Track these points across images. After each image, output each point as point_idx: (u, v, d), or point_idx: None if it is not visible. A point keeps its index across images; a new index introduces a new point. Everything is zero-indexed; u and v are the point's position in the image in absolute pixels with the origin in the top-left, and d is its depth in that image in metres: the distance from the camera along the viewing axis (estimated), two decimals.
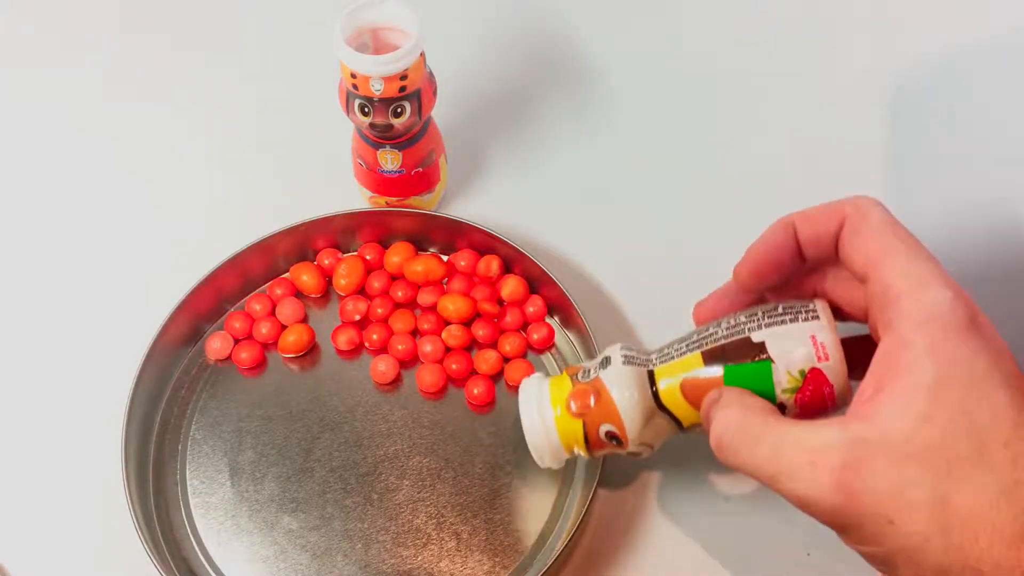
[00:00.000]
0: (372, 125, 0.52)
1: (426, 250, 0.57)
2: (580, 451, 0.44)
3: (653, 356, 0.42)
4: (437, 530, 0.49)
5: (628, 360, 0.42)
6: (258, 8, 0.71)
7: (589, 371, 0.43)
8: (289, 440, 0.51)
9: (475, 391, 0.52)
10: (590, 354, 0.51)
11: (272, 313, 0.55)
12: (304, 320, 0.55)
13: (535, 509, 0.49)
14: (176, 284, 0.53)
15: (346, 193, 0.59)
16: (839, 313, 0.40)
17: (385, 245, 0.57)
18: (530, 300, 0.55)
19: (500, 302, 0.55)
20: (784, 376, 0.37)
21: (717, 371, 0.39)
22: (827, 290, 0.41)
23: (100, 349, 0.55)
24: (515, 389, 0.50)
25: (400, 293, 0.55)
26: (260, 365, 0.54)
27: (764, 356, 0.38)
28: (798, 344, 0.38)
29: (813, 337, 0.37)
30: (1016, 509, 0.31)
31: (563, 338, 0.54)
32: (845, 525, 0.33)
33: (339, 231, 0.56)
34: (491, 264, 0.55)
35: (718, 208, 0.60)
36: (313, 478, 0.50)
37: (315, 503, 0.49)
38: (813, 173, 0.61)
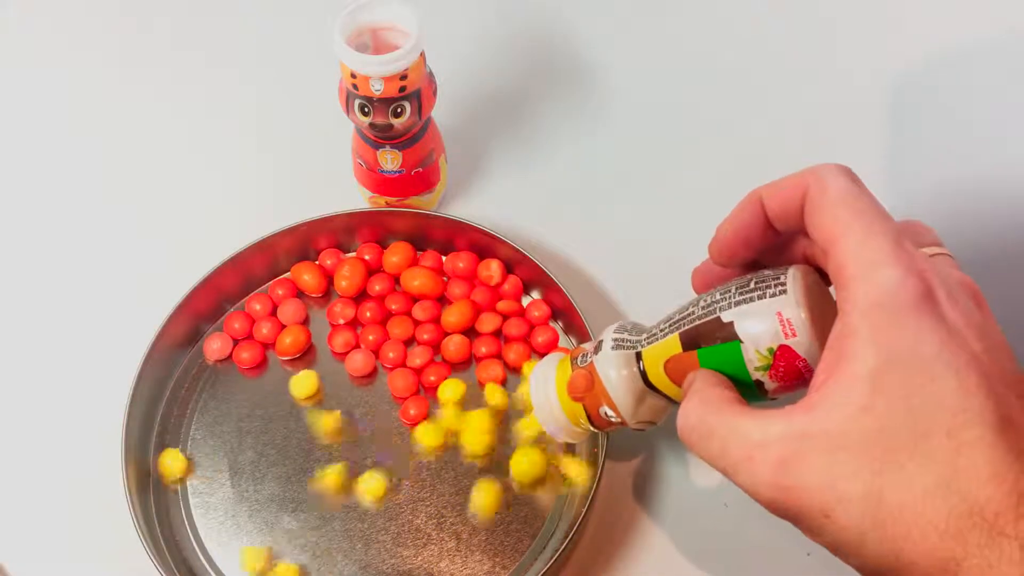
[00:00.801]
0: (372, 125, 0.52)
1: (425, 250, 0.57)
2: (589, 428, 0.45)
3: (643, 337, 0.42)
4: (437, 530, 0.49)
5: (618, 344, 0.43)
6: (258, 8, 0.71)
7: (587, 355, 0.44)
8: (289, 440, 0.51)
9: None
10: None
11: (272, 313, 0.55)
12: (305, 320, 0.55)
13: (535, 509, 0.49)
14: (176, 284, 0.53)
15: (346, 193, 0.59)
16: (828, 278, 0.38)
17: (384, 245, 0.57)
18: (533, 304, 0.55)
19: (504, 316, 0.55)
20: (754, 355, 0.37)
21: (693, 353, 0.39)
22: (816, 254, 0.39)
23: (100, 349, 0.55)
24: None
25: (395, 306, 0.55)
26: (260, 365, 0.54)
27: (733, 336, 0.37)
28: (764, 322, 0.37)
29: (779, 314, 0.36)
30: (953, 501, 0.30)
31: (566, 343, 0.54)
32: (789, 519, 0.33)
33: (339, 231, 0.56)
34: (491, 266, 0.55)
35: (719, 207, 0.59)
36: (313, 478, 0.50)
37: (315, 503, 0.49)
38: None
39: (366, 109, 0.51)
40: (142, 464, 0.50)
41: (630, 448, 0.51)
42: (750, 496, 0.34)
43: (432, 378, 0.53)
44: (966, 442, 0.30)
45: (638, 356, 0.42)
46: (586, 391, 0.43)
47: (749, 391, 0.38)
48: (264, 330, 0.54)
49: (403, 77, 0.50)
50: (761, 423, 0.34)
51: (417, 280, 0.55)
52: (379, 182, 0.56)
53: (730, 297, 0.38)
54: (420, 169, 0.56)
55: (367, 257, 0.56)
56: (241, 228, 0.55)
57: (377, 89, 0.50)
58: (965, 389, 0.30)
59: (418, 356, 0.53)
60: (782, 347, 0.36)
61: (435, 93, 0.53)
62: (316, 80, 0.58)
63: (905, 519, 0.30)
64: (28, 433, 0.53)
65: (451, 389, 0.52)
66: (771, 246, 0.39)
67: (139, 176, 0.63)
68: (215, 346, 0.54)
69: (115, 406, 0.49)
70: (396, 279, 0.56)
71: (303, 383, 0.52)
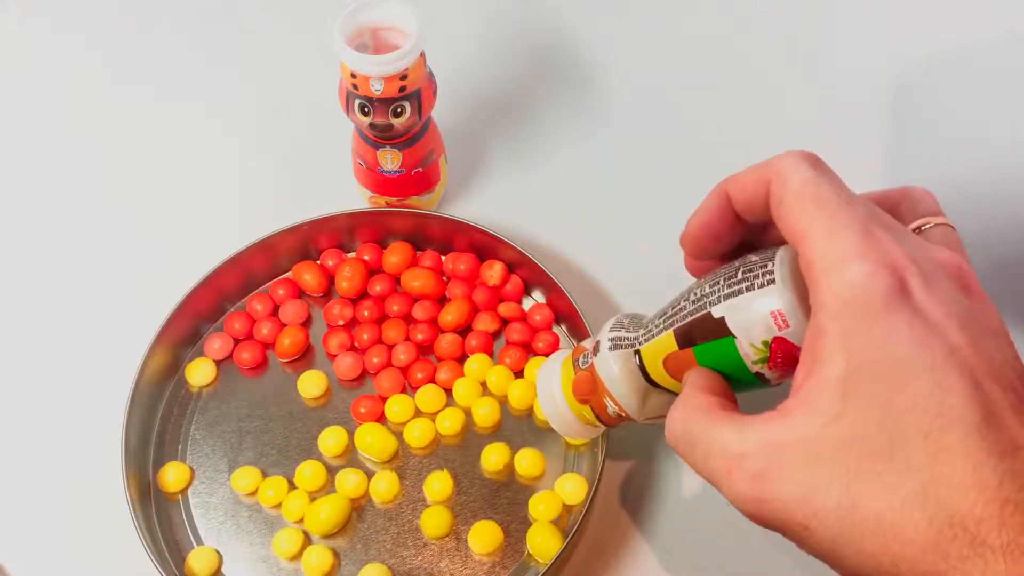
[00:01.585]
0: (372, 125, 0.52)
1: (424, 250, 0.57)
2: (599, 425, 0.45)
3: (640, 333, 0.42)
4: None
5: (615, 344, 0.42)
6: (258, 8, 0.71)
7: (587, 355, 0.44)
8: (289, 440, 0.51)
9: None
10: None
11: (273, 313, 0.55)
12: (306, 321, 0.55)
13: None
14: (176, 284, 0.53)
15: (346, 193, 0.59)
16: None
17: (384, 245, 0.57)
18: (535, 308, 0.55)
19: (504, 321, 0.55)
20: (749, 349, 0.36)
21: (690, 351, 0.39)
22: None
23: (101, 349, 0.55)
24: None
25: (396, 308, 0.55)
26: (261, 365, 0.54)
27: (726, 332, 0.37)
28: (755, 315, 0.36)
29: (769, 305, 0.35)
30: (932, 510, 0.28)
31: (567, 344, 0.54)
32: (774, 530, 0.32)
33: (340, 231, 0.56)
34: (493, 267, 0.55)
35: None
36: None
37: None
38: None
39: (366, 109, 0.51)
40: (142, 463, 0.50)
41: (629, 450, 0.51)
42: (734, 507, 0.33)
43: (420, 375, 0.52)
44: (945, 447, 0.28)
45: (637, 354, 0.42)
46: (590, 393, 0.43)
47: (752, 382, 0.37)
48: (264, 330, 0.54)
49: (403, 77, 0.50)
50: (740, 433, 0.32)
51: (418, 280, 0.55)
52: (379, 182, 0.56)
53: (719, 290, 0.37)
54: (420, 169, 0.56)
55: (367, 257, 0.56)
56: (241, 228, 0.55)
57: (377, 89, 0.50)
58: (942, 389, 0.29)
59: (403, 353, 0.53)
60: (776, 339, 0.35)
61: (435, 93, 0.53)
62: (316, 80, 0.59)
63: (883, 531, 0.29)
64: (28, 433, 0.53)
65: (477, 364, 0.52)
66: (750, 232, 0.38)
67: (139, 176, 0.63)
68: (216, 345, 0.54)
69: (115, 406, 0.49)
70: (396, 279, 0.56)
71: (310, 382, 0.52)
